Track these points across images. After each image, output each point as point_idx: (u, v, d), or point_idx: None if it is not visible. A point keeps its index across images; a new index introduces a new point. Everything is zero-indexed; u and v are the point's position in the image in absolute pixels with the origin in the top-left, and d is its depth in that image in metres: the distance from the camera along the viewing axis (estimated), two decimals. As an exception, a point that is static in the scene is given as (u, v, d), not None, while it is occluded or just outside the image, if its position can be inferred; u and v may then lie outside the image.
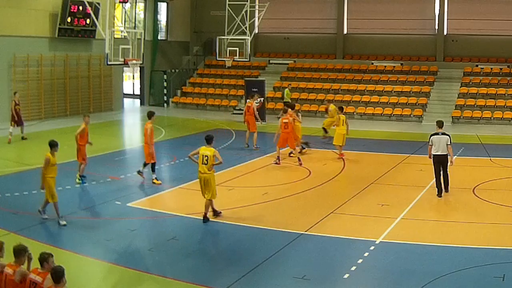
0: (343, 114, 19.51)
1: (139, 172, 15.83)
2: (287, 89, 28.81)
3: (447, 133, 14.38)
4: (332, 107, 22.09)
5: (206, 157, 12.09)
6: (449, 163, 14.23)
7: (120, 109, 31.64)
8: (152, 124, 15.45)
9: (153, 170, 15.54)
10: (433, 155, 14.22)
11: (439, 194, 14.22)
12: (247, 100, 22.67)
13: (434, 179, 14.37)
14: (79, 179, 15.01)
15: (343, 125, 18.94)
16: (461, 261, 9.87)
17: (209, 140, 12.32)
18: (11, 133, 20.76)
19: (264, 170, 17.57)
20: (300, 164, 17.79)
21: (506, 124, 27.07)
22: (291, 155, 18.78)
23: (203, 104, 33.00)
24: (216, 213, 12.49)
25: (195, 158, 12.33)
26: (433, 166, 14.34)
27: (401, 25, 32.60)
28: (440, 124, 14.50)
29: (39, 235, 10.92)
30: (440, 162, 14.18)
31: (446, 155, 14.11)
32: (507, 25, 30.27)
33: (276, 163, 18.00)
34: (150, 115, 15.64)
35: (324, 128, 22.35)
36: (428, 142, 14.43)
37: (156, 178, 15.50)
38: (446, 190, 14.40)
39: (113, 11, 26.87)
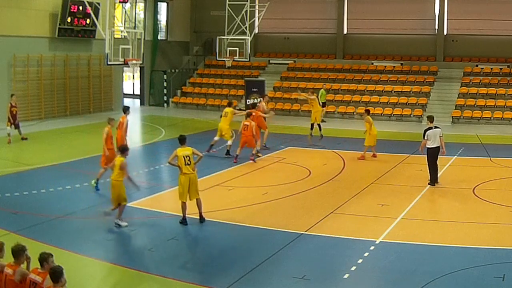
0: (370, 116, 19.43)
1: None
2: (322, 89, 28.45)
3: (438, 126, 15.39)
4: (314, 96, 21.69)
5: (188, 157, 11.86)
6: (440, 153, 15.20)
7: (120, 109, 31.52)
8: (127, 118, 16.55)
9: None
10: (429, 148, 15.09)
11: (433, 183, 15.11)
12: (259, 100, 22.47)
13: (429, 171, 15.19)
14: (95, 183, 14.76)
15: (373, 126, 18.94)
16: (461, 261, 9.87)
17: (182, 141, 12.17)
18: (9, 133, 20.76)
19: (264, 170, 17.57)
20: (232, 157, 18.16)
21: (506, 124, 27.08)
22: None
23: (203, 104, 33.00)
24: (185, 220, 11.98)
25: (175, 162, 12.03)
26: (428, 159, 15.21)
27: (401, 25, 32.59)
28: (431, 119, 15.52)
29: (39, 235, 10.91)
30: (435, 154, 15.10)
31: (439, 147, 15.11)
32: (507, 25, 30.27)
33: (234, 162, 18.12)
34: (125, 109, 17.02)
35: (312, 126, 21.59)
36: (424, 137, 15.14)
37: None
38: (436, 181, 15.24)
39: (113, 11, 26.83)
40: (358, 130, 25.47)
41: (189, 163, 11.85)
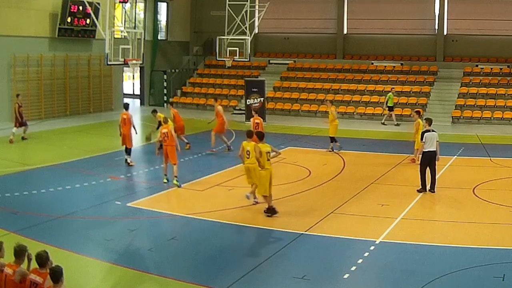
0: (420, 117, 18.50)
1: (130, 162, 17.34)
2: (390, 93, 27.76)
3: (435, 130, 14.84)
4: (332, 108, 20.16)
5: (269, 153, 12.52)
6: (436, 159, 14.59)
7: (120, 109, 31.50)
8: (129, 114, 17.54)
9: (129, 153, 17.51)
10: (424, 151, 14.61)
11: (424, 189, 14.50)
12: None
13: (420, 176, 14.55)
14: (176, 181, 14.92)
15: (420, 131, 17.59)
16: (461, 261, 9.87)
17: (261, 137, 12.78)
18: (13, 133, 20.78)
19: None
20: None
21: (506, 124, 27.07)
22: None
23: (203, 104, 32.98)
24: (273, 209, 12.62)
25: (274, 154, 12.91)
26: (421, 163, 14.67)
27: (401, 25, 32.60)
28: (430, 121, 15.05)
29: (39, 235, 10.91)
30: (430, 159, 14.54)
31: (434, 151, 14.55)
32: (507, 25, 30.27)
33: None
34: (127, 106, 18.34)
35: (332, 138, 19.98)
36: (421, 139, 14.65)
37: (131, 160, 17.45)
38: (433, 189, 14.55)
39: (113, 11, 26.84)
40: (358, 130, 25.58)
41: (269, 158, 12.53)
